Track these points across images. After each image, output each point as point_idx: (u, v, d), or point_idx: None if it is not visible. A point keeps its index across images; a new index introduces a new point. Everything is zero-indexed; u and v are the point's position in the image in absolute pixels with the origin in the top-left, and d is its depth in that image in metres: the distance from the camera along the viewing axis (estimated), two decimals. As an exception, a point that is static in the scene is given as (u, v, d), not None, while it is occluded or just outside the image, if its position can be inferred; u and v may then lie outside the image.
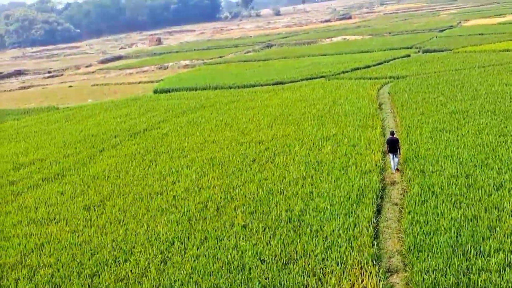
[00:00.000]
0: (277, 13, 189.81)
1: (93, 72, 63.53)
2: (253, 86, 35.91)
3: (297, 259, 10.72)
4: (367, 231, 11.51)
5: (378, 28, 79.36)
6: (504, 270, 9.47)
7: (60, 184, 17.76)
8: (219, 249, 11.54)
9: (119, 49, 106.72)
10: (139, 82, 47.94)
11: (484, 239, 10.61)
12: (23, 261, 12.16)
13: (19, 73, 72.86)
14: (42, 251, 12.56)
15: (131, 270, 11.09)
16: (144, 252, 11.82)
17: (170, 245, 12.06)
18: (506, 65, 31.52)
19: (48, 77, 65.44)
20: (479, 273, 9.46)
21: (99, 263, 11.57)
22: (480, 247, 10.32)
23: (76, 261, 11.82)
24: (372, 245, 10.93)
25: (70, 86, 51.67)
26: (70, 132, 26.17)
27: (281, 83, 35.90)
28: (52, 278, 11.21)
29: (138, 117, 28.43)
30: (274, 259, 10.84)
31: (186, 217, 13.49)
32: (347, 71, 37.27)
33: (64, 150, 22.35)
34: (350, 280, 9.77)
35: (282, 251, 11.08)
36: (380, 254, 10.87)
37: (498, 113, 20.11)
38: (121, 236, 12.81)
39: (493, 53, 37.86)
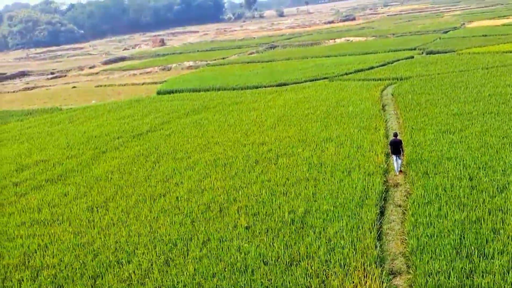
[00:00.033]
0: (281, 14, 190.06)
1: (96, 73, 63.69)
2: (257, 87, 35.92)
3: (300, 261, 10.70)
4: (370, 233, 11.48)
5: (381, 30, 79.38)
6: (508, 273, 9.42)
7: (63, 185, 17.79)
8: (222, 250, 11.54)
9: (123, 50, 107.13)
10: (143, 83, 48.06)
11: (488, 241, 10.57)
12: (27, 262, 12.19)
13: (23, 74, 73.21)
14: (46, 252, 12.59)
15: (134, 271, 11.09)
16: (147, 254, 11.82)
17: (173, 246, 12.06)
18: (510, 66, 31.42)
19: (52, 78, 65.66)
20: (482, 276, 9.43)
21: (102, 264, 11.58)
22: (484, 249, 10.27)
23: (79, 262, 11.84)
24: (375, 247, 10.90)
25: (74, 87, 51.82)
26: (73, 133, 26.23)
27: (285, 84, 35.92)
28: (55, 279, 11.23)
29: (142, 118, 28.47)
30: (277, 260, 10.82)
31: (189, 218, 13.50)
32: (351, 73, 37.22)
33: (67, 152, 22.40)
34: (353, 282, 9.74)
35: (285, 252, 11.06)
36: (383, 256, 10.84)
37: (502, 114, 20.04)
38: (124, 237, 12.82)
39: (496, 54, 37.76)
